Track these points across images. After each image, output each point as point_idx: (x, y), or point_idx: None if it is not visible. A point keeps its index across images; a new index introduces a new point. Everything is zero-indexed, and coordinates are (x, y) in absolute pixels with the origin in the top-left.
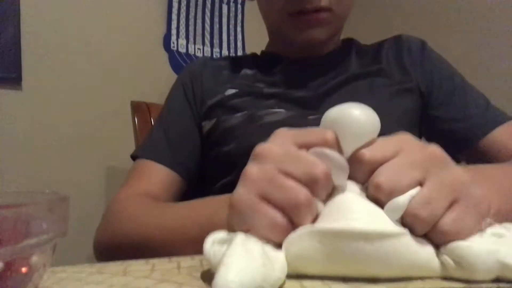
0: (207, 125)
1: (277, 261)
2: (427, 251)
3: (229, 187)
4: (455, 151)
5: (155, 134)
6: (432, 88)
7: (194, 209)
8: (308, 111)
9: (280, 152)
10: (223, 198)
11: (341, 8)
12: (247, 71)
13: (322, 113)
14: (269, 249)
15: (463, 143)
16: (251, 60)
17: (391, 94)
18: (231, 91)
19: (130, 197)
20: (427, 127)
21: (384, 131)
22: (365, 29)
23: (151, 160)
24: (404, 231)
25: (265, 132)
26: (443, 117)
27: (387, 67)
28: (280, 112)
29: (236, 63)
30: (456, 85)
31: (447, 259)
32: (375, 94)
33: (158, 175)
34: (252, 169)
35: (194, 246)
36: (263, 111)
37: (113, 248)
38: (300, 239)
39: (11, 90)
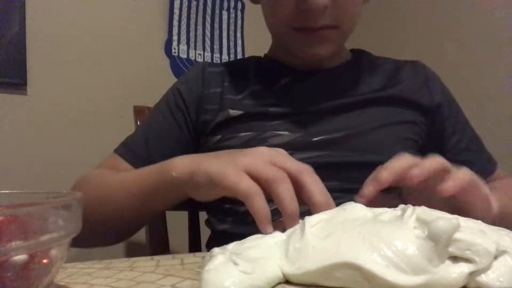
0: (209, 141)
1: (264, 268)
2: None
3: (227, 202)
4: None
5: (137, 133)
6: (445, 125)
7: (141, 174)
8: (313, 133)
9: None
10: (163, 167)
11: (347, 25)
12: (253, 87)
13: (327, 134)
14: (258, 260)
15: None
16: (255, 69)
17: (393, 122)
18: (236, 112)
19: (95, 171)
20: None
21: (382, 157)
22: (360, 36)
23: (124, 159)
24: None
25: None
26: (457, 150)
27: (399, 94)
28: (285, 134)
29: (239, 72)
30: (465, 122)
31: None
32: (376, 122)
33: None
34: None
35: (139, 207)
36: (268, 133)
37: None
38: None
39: (16, 95)
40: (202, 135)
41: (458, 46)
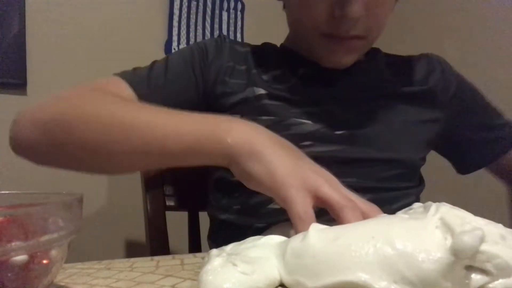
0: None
1: (263, 269)
2: None
3: (230, 182)
4: (484, 163)
5: (153, 71)
6: (461, 111)
7: (180, 120)
8: (335, 126)
9: None
10: (217, 127)
11: (374, 36)
12: (275, 72)
13: (348, 129)
14: (257, 260)
15: (493, 154)
16: (274, 55)
17: (414, 121)
18: (259, 91)
19: (94, 88)
20: (451, 148)
21: (399, 155)
22: None
23: (133, 89)
24: None
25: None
26: (472, 131)
27: (417, 91)
28: (307, 123)
29: (261, 56)
30: (483, 102)
31: None
32: (397, 119)
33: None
34: None
35: (165, 159)
36: (290, 120)
37: (50, 126)
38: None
39: (16, 95)
40: (213, 107)
41: (459, 46)
